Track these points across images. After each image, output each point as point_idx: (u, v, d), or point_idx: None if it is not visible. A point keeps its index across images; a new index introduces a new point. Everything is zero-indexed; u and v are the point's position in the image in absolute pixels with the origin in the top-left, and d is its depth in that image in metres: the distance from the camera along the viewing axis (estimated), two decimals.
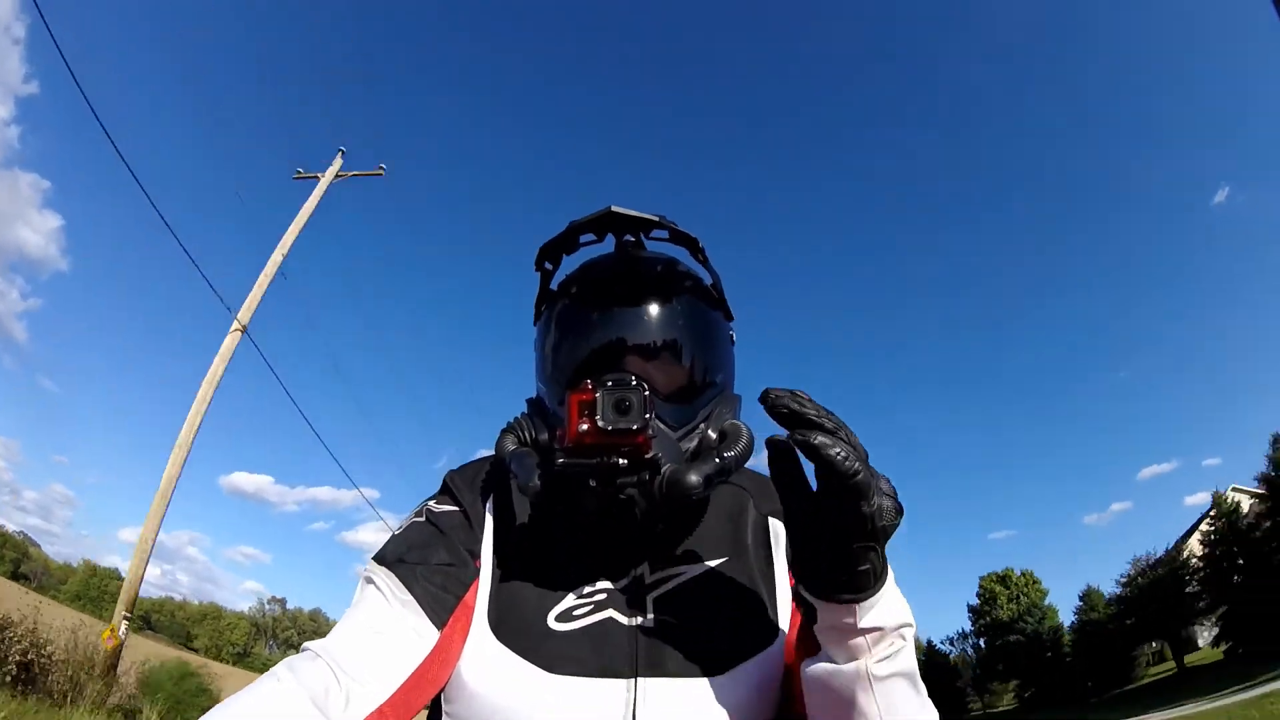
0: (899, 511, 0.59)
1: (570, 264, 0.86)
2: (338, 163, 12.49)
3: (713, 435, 0.75)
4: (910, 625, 0.62)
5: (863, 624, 0.60)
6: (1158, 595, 32.04)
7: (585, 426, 0.65)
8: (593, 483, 0.67)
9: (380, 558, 0.75)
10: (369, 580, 0.73)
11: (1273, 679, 17.47)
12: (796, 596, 0.66)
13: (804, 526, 0.61)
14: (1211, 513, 30.81)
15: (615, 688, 0.69)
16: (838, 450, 0.55)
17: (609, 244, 0.85)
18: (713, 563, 0.78)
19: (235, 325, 10.67)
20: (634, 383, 0.66)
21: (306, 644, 0.67)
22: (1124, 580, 35.64)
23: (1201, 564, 30.86)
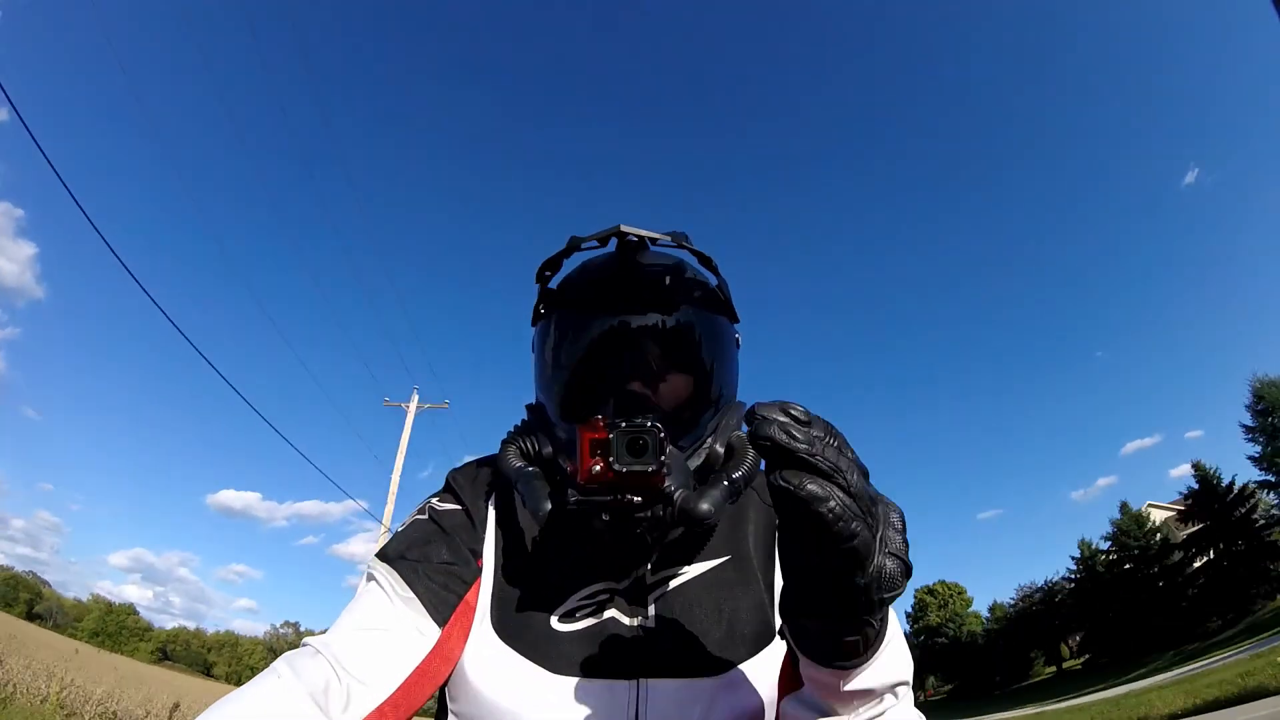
0: (906, 573, 0.51)
1: (569, 264, 0.83)
2: (415, 398, 17.01)
3: (719, 450, 0.74)
4: (906, 683, 0.60)
5: (847, 688, 0.57)
6: (1034, 617, 41.14)
7: (598, 468, 0.61)
8: (606, 517, 0.65)
9: (383, 554, 0.75)
10: (370, 577, 0.74)
11: (1117, 684, 24.17)
12: (781, 634, 0.62)
13: (795, 573, 0.54)
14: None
15: (618, 688, 0.69)
16: (832, 505, 0.46)
17: (610, 245, 0.81)
18: (714, 562, 0.77)
19: (382, 531, 16.61)
20: (649, 423, 0.62)
21: (307, 640, 0.67)
22: (1013, 603, 44.85)
23: (1069, 597, 39.57)
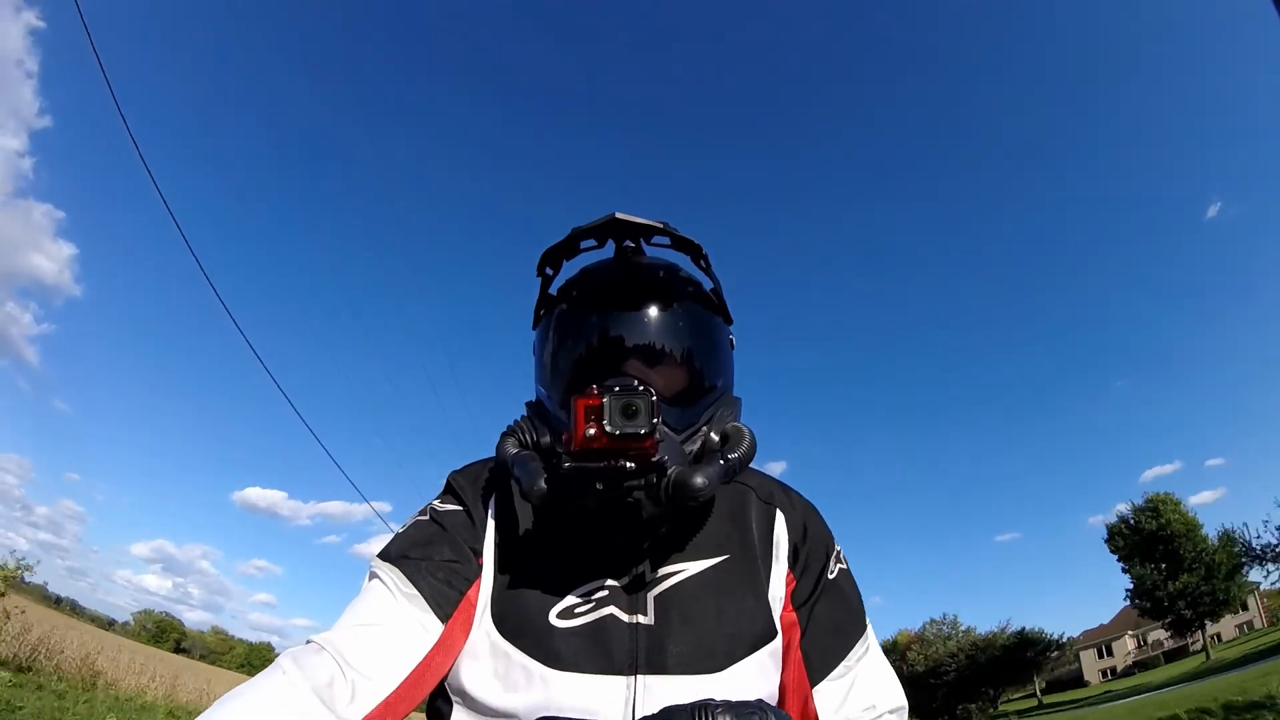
0: None
1: (568, 269, 0.86)
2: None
3: (715, 438, 0.77)
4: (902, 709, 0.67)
5: None
6: None
7: (593, 431, 0.64)
8: (600, 486, 0.66)
9: (385, 554, 0.76)
10: (373, 575, 0.75)
11: None
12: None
13: None
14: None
15: (615, 684, 0.70)
16: None
17: (608, 250, 0.85)
18: (713, 561, 0.79)
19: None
20: (641, 387, 0.65)
21: (311, 636, 0.67)
22: None
23: None
